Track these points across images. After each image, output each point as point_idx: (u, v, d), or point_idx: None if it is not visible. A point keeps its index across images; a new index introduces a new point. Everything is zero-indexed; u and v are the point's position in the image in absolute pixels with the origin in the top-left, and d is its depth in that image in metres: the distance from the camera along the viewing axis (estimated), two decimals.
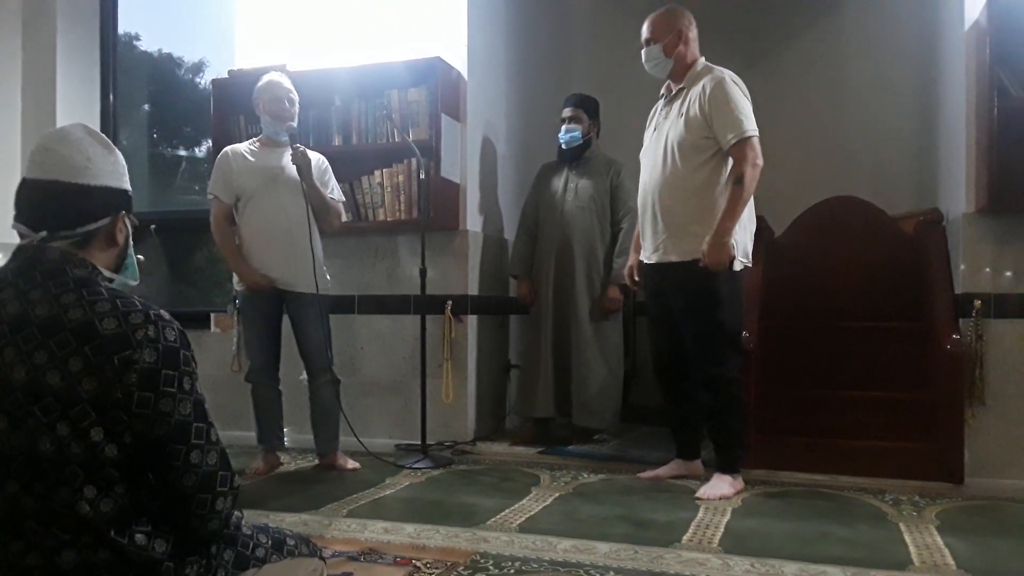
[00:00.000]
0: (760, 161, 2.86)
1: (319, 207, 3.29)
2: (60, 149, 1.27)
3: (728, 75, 2.95)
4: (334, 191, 3.41)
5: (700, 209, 2.93)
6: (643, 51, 3.04)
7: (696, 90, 2.95)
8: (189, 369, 1.24)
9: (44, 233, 1.24)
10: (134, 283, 1.41)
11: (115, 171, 1.33)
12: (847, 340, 3.59)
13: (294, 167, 3.23)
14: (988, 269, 3.16)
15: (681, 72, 3.03)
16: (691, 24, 3.04)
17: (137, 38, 5.30)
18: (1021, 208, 3.09)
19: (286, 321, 3.37)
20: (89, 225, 1.28)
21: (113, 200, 1.32)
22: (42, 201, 1.27)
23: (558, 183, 4.01)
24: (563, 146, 3.98)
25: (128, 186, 1.37)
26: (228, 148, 3.38)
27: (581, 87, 4.33)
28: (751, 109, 2.92)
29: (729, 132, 2.85)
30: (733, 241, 2.89)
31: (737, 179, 2.86)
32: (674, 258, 2.99)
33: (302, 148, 3.25)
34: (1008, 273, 3.14)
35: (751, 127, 2.86)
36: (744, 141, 2.84)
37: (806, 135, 4.60)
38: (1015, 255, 3.14)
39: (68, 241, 1.26)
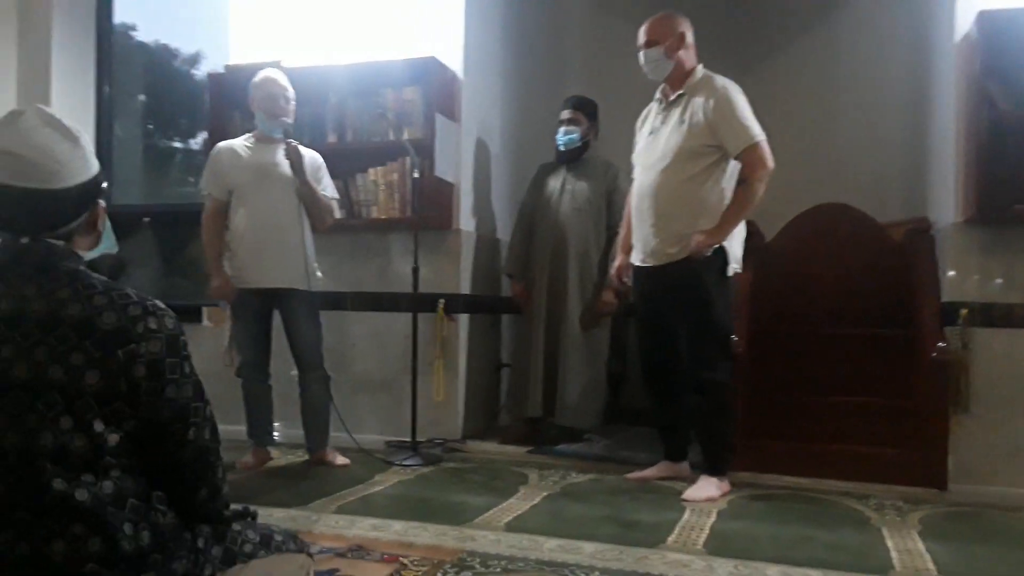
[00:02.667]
0: (771, 164, 2.91)
1: (311, 204, 3.30)
2: (28, 155, 1.21)
3: (730, 83, 2.99)
4: (328, 188, 3.42)
5: (697, 215, 2.95)
6: (641, 53, 3.06)
7: (699, 99, 2.97)
8: (187, 353, 1.28)
9: (27, 239, 1.23)
10: (113, 251, 1.42)
11: (85, 163, 1.28)
12: (834, 346, 3.61)
13: (287, 163, 3.24)
14: (976, 277, 3.19)
15: (680, 77, 3.05)
16: (690, 29, 3.07)
17: (133, 28, 5.28)
18: (1008, 218, 3.12)
19: (277, 317, 3.38)
20: (71, 224, 1.27)
21: (88, 193, 1.29)
22: (18, 209, 1.23)
23: (555, 184, 4.02)
24: (561, 148, 3.99)
25: (96, 167, 1.30)
26: (221, 144, 3.38)
27: (576, 88, 4.34)
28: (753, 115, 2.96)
29: (738, 139, 2.90)
30: (725, 246, 2.94)
31: (746, 182, 2.90)
32: (667, 260, 3.01)
33: (295, 144, 3.25)
34: (997, 281, 3.17)
35: (758, 132, 2.91)
36: (753, 146, 2.89)
37: (797, 142, 4.61)
38: (1002, 264, 3.17)
39: (51, 238, 1.25)
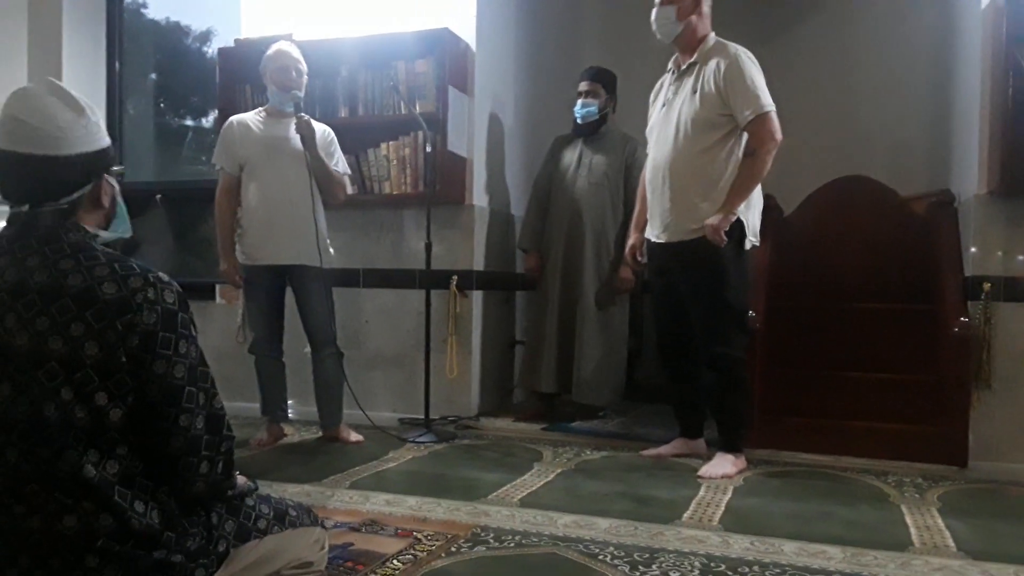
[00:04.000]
0: (779, 136, 2.84)
1: (323, 178, 3.27)
2: (30, 120, 1.22)
3: (742, 51, 2.92)
4: (339, 163, 3.39)
5: (711, 187, 2.90)
6: (654, 10, 2.98)
7: (710, 67, 2.90)
8: (186, 332, 1.24)
9: (27, 207, 1.22)
10: (127, 235, 1.39)
11: (89, 134, 1.27)
12: (854, 321, 3.57)
13: (298, 137, 3.20)
14: (999, 252, 3.13)
15: (691, 44, 2.99)
16: None
17: (144, 5, 5.25)
18: None
19: (290, 294, 3.37)
20: (72, 195, 1.25)
21: (91, 165, 1.27)
22: (19, 175, 1.23)
23: (571, 157, 3.96)
24: (578, 120, 3.91)
25: (106, 143, 1.30)
26: (233, 118, 3.35)
27: (592, 60, 4.27)
28: (766, 84, 2.89)
29: (746, 108, 2.83)
30: (743, 219, 2.88)
31: (754, 154, 2.84)
32: (683, 236, 2.96)
33: (307, 117, 3.21)
34: (1020, 256, 3.11)
35: (768, 102, 2.84)
36: (762, 116, 2.82)
37: (818, 113, 4.54)
38: None
39: (55, 209, 1.23)
